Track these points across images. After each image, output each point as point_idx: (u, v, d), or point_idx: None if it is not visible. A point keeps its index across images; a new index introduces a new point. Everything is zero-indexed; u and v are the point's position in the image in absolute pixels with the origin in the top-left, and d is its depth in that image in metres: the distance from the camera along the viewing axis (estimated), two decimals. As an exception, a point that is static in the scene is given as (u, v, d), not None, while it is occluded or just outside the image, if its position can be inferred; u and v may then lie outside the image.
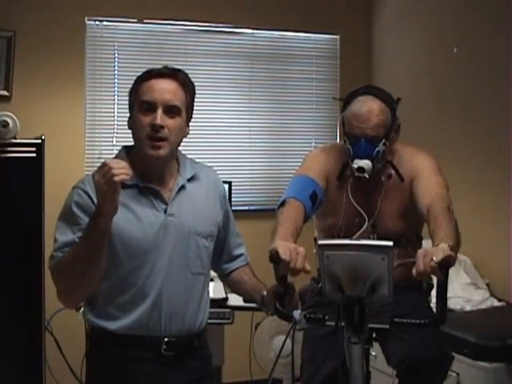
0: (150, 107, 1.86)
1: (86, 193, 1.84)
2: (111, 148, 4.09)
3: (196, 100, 1.98)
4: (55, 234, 1.85)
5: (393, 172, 2.32)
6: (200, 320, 1.95)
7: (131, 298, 1.86)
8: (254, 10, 4.45)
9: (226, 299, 2.84)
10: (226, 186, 2.22)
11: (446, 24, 4.04)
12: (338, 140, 4.56)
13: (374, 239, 2.25)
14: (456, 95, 3.92)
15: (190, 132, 1.98)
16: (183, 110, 1.91)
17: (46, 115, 3.99)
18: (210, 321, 2.04)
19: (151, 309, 1.86)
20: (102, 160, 1.74)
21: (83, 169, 4.03)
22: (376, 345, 1.99)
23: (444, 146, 3.84)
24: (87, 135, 4.15)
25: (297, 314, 1.79)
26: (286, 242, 1.85)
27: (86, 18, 4.11)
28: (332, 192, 2.33)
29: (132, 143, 1.94)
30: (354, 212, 2.30)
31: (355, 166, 2.20)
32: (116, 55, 4.21)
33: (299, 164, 2.38)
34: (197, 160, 2.08)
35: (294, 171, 2.38)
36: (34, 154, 3.34)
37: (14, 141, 3.31)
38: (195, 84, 1.98)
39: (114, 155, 1.96)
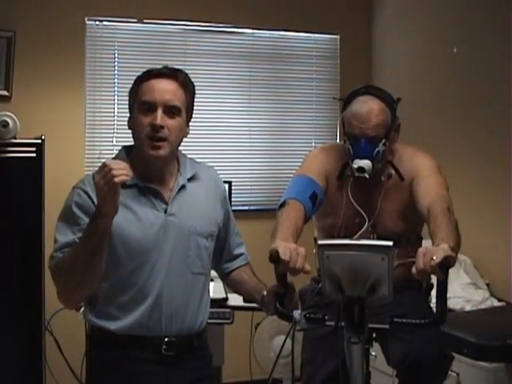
0: (150, 107, 1.86)
1: (86, 193, 1.84)
2: (111, 148, 4.09)
3: (196, 100, 1.98)
4: (55, 235, 1.85)
5: (393, 172, 2.32)
6: (200, 320, 1.95)
7: (131, 297, 1.86)
8: (254, 9, 4.45)
9: (226, 299, 2.84)
10: (226, 186, 2.22)
11: (446, 24, 4.04)
12: (338, 140, 4.56)
13: (374, 239, 2.25)
14: (456, 95, 3.92)
15: (190, 132, 1.98)
16: (183, 110, 1.91)
17: (46, 115, 3.99)
18: (210, 321, 2.04)
19: (151, 309, 1.86)
20: (102, 160, 1.74)
21: (83, 169, 4.03)
22: (376, 345, 1.99)
23: (444, 146, 3.84)
24: (87, 135, 4.15)
25: (297, 313, 1.79)
26: (286, 242, 1.85)
27: (86, 18, 4.11)
28: (332, 192, 2.33)
29: (132, 143, 1.94)
30: (353, 212, 2.30)
31: (355, 166, 2.20)
32: (116, 55, 4.21)
33: (299, 164, 2.38)
34: (197, 160, 2.08)
35: (293, 171, 2.38)
36: (34, 154, 3.34)
37: (14, 141, 3.31)
38: (195, 84, 1.98)
39: (113, 155, 1.96)
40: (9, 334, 3.26)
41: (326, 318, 1.79)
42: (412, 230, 2.39)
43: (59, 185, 2.79)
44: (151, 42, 4.28)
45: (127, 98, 1.94)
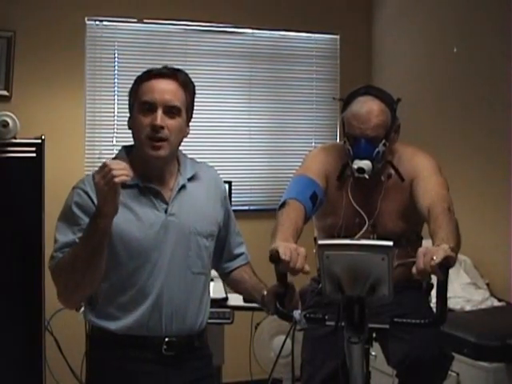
0: (150, 107, 1.86)
1: (86, 193, 1.84)
2: (111, 148, 4.09)
3: (196, 100, 1.98)
4: (55, 235, 1.85)
5: (393, 172, 2.31)
6: (200, 320, 1.95)
7: (132, 297, 1.86)
8: (254, 9, 4.45)
9: (226, 299, 2.84)
10: (226, 186, 2.22)
11: (446, 24, 4.04)
12: (338, 140, 4.55)
13: (374, 239, 2.25)
14: (456, 95, 3.92)
15: (191, 132, 1.98)
16: (183, 110, 1.91)
17: (46, 115, 3.99)
18: (210, 321, 2.04)
19: (152, 309, 1.86)
20: (102, 160, 1.74)
21: (83, 169, 4.03)
22: (376, 345, 1.99)
23: (444, 146, 3.84)
24: (87, 135, 4.15)
25: (297, 313, 1.79)
26: (286, 242, 1.85)
27: (86, 18, 4.12)
28: (332, 192, 2.33)
29: (132, 143, 1.94)
30: (353, 212, 2.30)
31: (355, 166, 2.20)
32: (116, 55, 4.21)
33: (299, 164, 2.38)
34: (197, 160, 2.08)
35: (293, 171, 2.38)
36: (34, 154, 3.34)
37: (14, 141, 3.32)
38: (195, 84, 1.98)
39: (113, 155, 1.96)
40: (9, 333, 3.26)
41: (326, 317, 1.79)
42: (412, 230, 2.39)
43: (59, 185, 2.79)
44: (151, 42, 4.28)
45: (127, 98, 1.94)
